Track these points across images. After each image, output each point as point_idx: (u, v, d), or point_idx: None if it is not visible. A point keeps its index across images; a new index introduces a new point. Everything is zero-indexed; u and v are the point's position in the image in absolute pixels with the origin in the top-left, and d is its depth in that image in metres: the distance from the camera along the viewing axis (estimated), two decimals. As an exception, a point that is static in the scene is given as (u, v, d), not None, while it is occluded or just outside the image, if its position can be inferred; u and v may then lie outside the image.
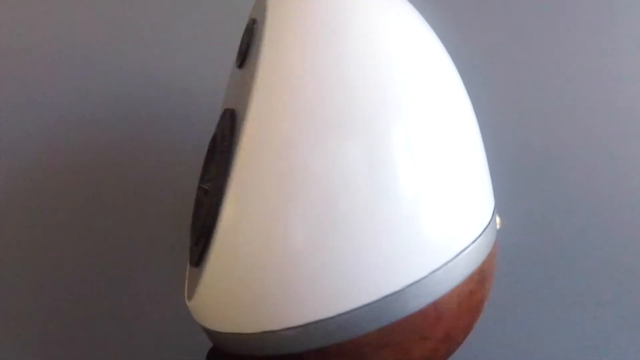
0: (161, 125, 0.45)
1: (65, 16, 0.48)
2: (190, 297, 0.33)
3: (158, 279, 0.42)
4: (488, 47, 0.53)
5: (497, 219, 0.40)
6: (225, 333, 0.31)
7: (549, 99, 0.54)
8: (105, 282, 0.47)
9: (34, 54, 0.47)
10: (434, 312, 0.30)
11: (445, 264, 0.30)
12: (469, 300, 0.31)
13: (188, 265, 0.36)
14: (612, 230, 0.52)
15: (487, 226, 0.32)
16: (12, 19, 0.46)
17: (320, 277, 0.29)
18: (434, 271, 0.29)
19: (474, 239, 0.31)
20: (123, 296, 0.47)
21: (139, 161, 0.47)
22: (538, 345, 0.49)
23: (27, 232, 0.47)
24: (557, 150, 0.53)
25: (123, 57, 0.49)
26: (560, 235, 0.52)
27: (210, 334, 0.33)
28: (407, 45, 0.33)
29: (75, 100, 0.47)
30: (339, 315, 0.28)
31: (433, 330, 0.31)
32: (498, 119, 0.49)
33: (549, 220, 0.51)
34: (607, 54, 0.53)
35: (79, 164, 0.47)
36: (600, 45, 0.53)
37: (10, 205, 0.46)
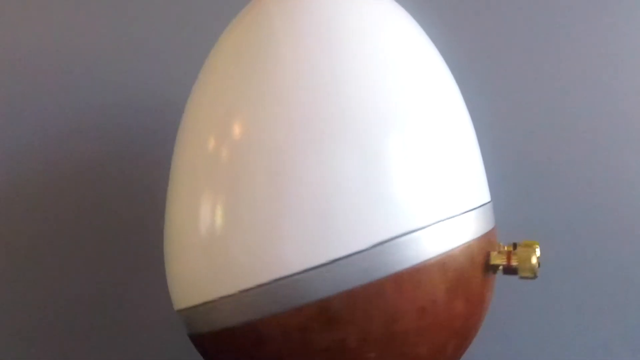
0: (164, 133, 0.44)
1: (61, 26, 0.50)
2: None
3: (156, 284, 0.40)
4: (483, 53, 0.53)
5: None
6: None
7: (547, 103, 0.52)
8: (103, 287, 0.48)
9: (31, 62, 0.49)
10: (253, 334, 0.29)
11: (258, 286, 0.28)
12: (301, 335, 0.28)
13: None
14: (612, 237, 0.51)
15: (336, 259, 0.27)
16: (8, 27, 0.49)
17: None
18: (244, 290, 0.28)
19: (301, 269, 0.27)
20: (120, 303, 0.49)
21: (140, 166, 0.49)
22: (536, 354, 0.50)
23: (26, 235, 0.48)
24: (555, 157, 0.52)
25: (123, 68, 0.50)
26: (558, 244, 0.51)
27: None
28: (401, 51, 0.31)
29: (74, 109, 0.49)
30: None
31: (257, 352, 0.29)
32: (494, 126, 0.50)
33: (547, 228, 0.51)
34: (606, 58, 0.52)
35: (79, 168, 0.49)
36: (599, 50, 0.52)
37: (9, 210, 0.48)
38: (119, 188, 0.49)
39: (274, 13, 0.32)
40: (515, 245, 0.32)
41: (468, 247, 0.30)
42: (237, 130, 0.29)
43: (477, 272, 0.30)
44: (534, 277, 0.30)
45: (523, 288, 0.44)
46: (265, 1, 0.33)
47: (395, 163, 0.29)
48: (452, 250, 0.29)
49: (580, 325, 0.51)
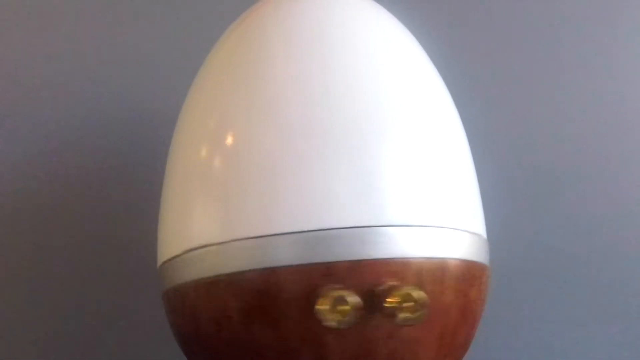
0: (158, 141, 0.41)
1: (53, 35, 0.50)
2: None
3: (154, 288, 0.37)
4: (479, 59, 0.53)
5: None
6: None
7: (546, 114, 0.53)
8: (98, 293, 0.48)
9: (25, 72, 0.49)
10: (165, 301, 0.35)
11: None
12: (171, 317, 0.33)
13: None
14: (612, 251, 0.52)
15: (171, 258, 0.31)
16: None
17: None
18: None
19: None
20: (118, 306, 0.47)
21: (134, 173, 0.49)
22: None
23: (23, 244, 0.48)
24: (554, 170, 0.53)
25: (117, 76, 0.49)
26: (558, 258, 0.52)
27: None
28: (395, 61, 0.32)
29: (67, 118, 0.49)
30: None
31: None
32: (490, 136, 0.50)
33: (545, 243, 0.52)
34: (606, 65, 0.53)
35: (74, 175, 0.49)
36: (599, 58, 0.53)
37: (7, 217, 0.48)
38: (114, 194, 0.50)
39: (268, 23, 0.34)
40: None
41: (275, 273, 0.27)
42: (229, 138, 0.31)
43: (291, 303, 0.27)
44: (334, 325, 0.25)
45: (520, 307, 0.48)
46: (259, 12, 0.35)
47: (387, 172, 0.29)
48: (248, 271, 0.28)
49: (582, 343, 0.52)
